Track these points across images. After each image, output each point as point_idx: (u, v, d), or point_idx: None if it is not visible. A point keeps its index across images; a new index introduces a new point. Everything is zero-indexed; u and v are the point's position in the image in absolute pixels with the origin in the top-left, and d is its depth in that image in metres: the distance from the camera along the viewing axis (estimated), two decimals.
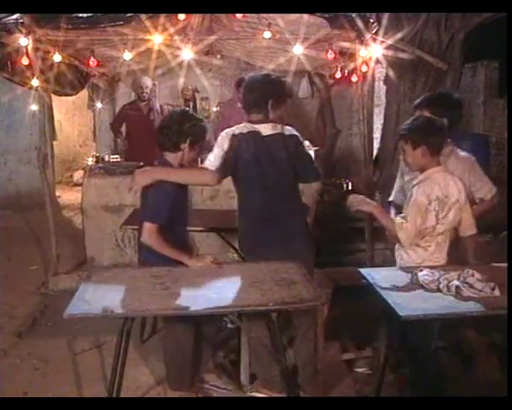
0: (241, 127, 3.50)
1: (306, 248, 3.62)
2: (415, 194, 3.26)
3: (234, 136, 3.46)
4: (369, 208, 3.34)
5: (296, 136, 3.55)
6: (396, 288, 3.04)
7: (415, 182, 3.35)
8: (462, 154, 3.65)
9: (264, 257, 3.44)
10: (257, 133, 3.46)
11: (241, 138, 3.45)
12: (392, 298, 2.88)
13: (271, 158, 3.47)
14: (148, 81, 7.42)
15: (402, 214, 3.28)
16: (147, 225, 3.40)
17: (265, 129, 3.47)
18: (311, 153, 6.38)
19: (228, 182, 3.58)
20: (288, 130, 3.56)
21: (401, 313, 2.71)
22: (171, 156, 3.53)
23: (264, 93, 3.47)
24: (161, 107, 7.63)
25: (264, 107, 3.47)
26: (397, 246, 3.44)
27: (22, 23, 4.82)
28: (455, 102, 3.73)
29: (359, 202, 3.36)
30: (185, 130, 3.47)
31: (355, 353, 4.18)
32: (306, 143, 6.41)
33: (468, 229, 3.39)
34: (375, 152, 7.14)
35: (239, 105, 6.88)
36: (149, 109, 7.43)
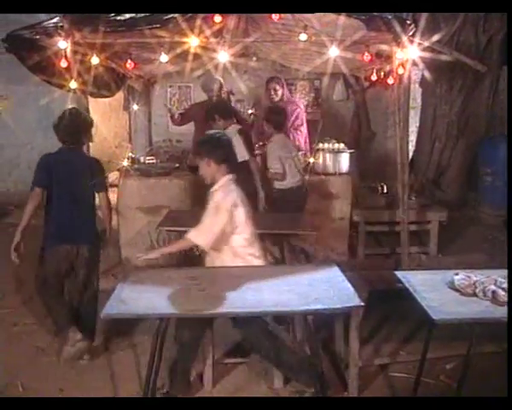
0: None
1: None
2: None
3: None
4: None
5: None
6: (431, 291, 3.01)
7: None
8: None
9: None
10: None
11: None
12: (426, 301, 2.85)
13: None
14: (216, 82, 7.02)
15: None
16: None
17: None
18: (346, 155, 6.38)
19: None
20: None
21: (435, 317, 2.69)
22: None
23: None
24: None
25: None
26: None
27: (62, 27, 4.90)
28: None
29: None
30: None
31: (390, 357, 4.13)
32: (341, 145, 6.44)
33: None
34: (410, 155, 7.06)
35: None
36: None
